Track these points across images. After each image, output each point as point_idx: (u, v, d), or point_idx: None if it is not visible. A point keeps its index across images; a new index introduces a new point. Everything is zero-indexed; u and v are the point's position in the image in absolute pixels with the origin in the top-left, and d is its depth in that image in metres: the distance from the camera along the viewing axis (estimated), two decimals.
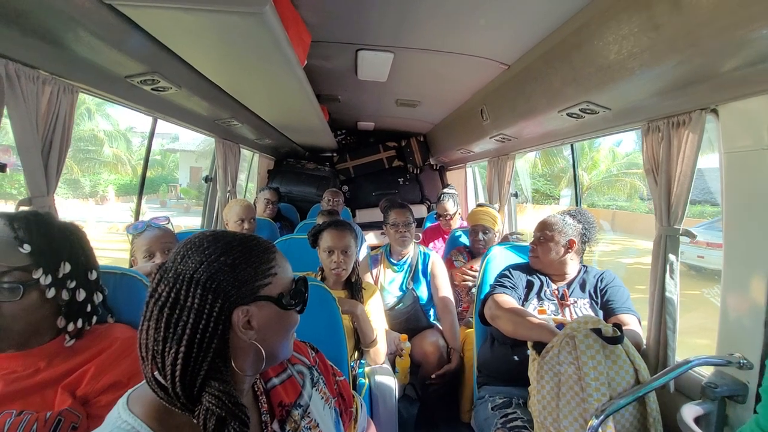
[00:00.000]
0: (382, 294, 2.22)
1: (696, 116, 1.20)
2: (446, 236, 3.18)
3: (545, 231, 1.67)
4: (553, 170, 17.91)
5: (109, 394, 0.90)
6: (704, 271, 8.43)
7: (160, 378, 0.62)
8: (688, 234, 1.27)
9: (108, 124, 18.80)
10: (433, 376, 2.03)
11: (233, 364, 0.65)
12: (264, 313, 0.67)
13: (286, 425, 0.75)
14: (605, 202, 17.64)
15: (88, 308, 0.97)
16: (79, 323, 0.95)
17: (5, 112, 1.21)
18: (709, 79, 1.11)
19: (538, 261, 1.69)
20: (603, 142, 17.54)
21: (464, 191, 4.57)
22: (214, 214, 3.12)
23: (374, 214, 4.65)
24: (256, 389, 0.76)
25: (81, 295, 0.95)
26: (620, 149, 18.30)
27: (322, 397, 0.85)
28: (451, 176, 4.87)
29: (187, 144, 21.86)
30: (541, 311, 1.53)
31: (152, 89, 1.68)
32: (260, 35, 1.26)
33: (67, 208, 17.21)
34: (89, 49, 1.31)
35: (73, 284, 0.93)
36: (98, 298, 1.01)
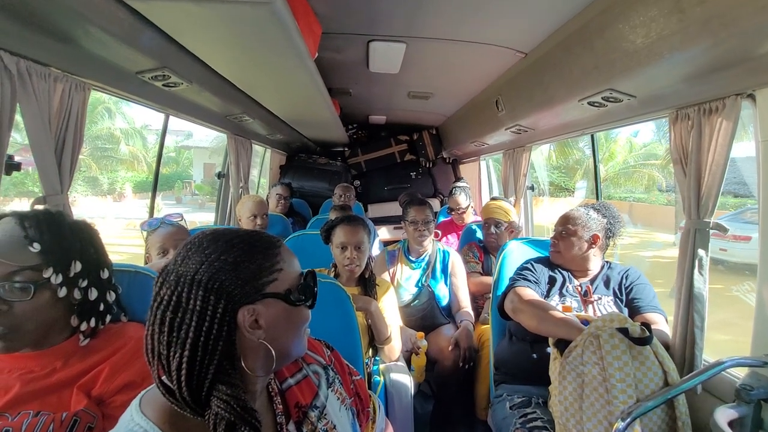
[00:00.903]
0: (398, 291, 2.19)
1: (730, 102, 1.12)
2: (459, 231, 3.14)
3: (568, 225, 1.61)
4: (568, 162, 17.60)
5: (124, 394, 0.90)
6: (726, 264, 8.18)
7: (167, 382, 0.61)
8: (720, 228, 1.20)
9: (124, 122, 19.22)
10: (450, 348, 1.99)
11: (243, 365, 0.64)
12: (272, 311, 0.65)
13: (302, 427, 0.73)
14: (622, 194, 17.27)
15: (101, 307, 0.97)
16: (93, 322, 0.95)
17: (18, 110, 1.20)
18: (746, 62, 1.03)
19: (560, 256, 1.63)
20: (620, 133, 17.17)
21: (478, 185, 4.50)
22: (227, 210, 3.13)
23: (387, 209, 4.62)
24: (271, 390, 0.74)
25: (93, 293, 0.95)
26: (638, 140, 17.89)
27: (338, 398, 0.83)
28: (464, 169, 4.80)
29: (200, 141, 22.16)
30: (566, 308, 1.47)
31: (163, 85, 1.67)
32: (270, 26, 1.23)
33: (86, 205, 17.76)
34: (100, 45, 1.30)
35: (84, 283, 0.93)
36: (111, 296, 1.00)
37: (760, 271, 1.11)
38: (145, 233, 1.65)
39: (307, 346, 0.83)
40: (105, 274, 0.99)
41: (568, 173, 18.31)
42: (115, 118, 18.58)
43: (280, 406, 0.73)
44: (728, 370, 1.12)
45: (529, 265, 1.65)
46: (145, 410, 0.62)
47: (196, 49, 1.53)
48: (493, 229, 2.49)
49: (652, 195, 16.80)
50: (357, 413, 0.89)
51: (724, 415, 1.01)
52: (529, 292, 1.51)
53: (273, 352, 0.65)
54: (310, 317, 0.73)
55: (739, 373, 1.17)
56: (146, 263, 1.64)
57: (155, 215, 1.93)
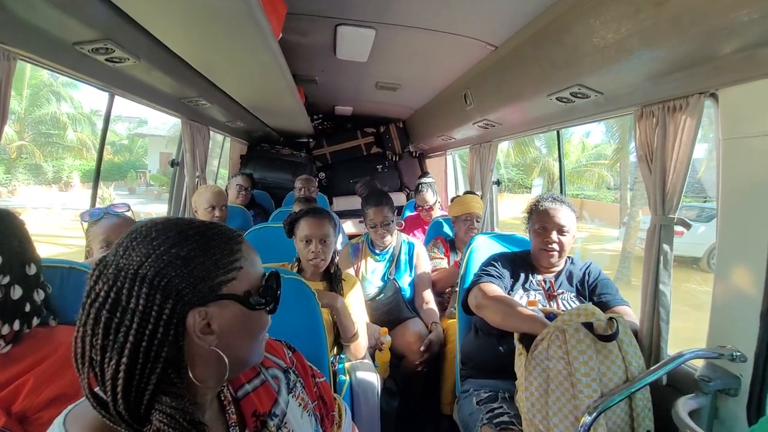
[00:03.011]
0: (363, 284, 2.14)
1: (694, 101, 1.15)
2: (426, 226, 3.13)
3: (565, 226, 1.55)
4: (526, 160, 18.36)
5: (53, 408, 0.79)
6: None
7: (100, 393, 0.52)
8: (683, 223, 1.24)
9: (71, 107, 17.95)
10: (422, 349, 1.97)
11: (191, 375, 0.56)
12: (227, 314, 0.57)
13: None
14: (574, 192, 18.21)
15: (27, 308, 0.84)
16: (16, 325, 0.82)
17: None
18: (710, 61, 1.05)
19: (558, 257, 1.57)
20: (573, 134, 18.07)
21: (444, 179, 4.52)
22: (182, 201, 2.93)
23: (352, 202, 4.54)
24: (223, 398, 0.67)
25: (16, 292, 0.82)
26: (589, 140, 18.95)
27: (300, 404, 0.77)
28: (430, 163, 4.80)
29: (156, 129, 21.08)
30: (532, 303, 1.48)
31: (106, 59, 1.50)
32: None
33: (29, 194, 16.71)
34: (28, 8, 1.14)
35: (6, 280, 0.81)
36: (39, 295, 0.87)
37: (716, 266, 1.15)
38: (85, 224, 1.49)
39: (267, 348, 0.77)
40: (31, 270, 0.86)
41: (526, 171, 19.11)
42: (61, 102, 17.46)
43: (234, 416, 0.66)
44: (690, 362, 1.15)
45: (493, 261, 1.63)
46: (70, 428, 0.53)
47: (144, 21, 1.37)
48: (475, 223, 2.47)
49: (601, 193, 17.87)
50: (321, 418, 0.83)
51: (684, 406, 1.04)
52: (493, 288, 1.49)
53: (226, 360, 0.57)
54: (270, 323, 0.65)
55: (698, 365, 1.20)
56: (87, 258, 1.48)
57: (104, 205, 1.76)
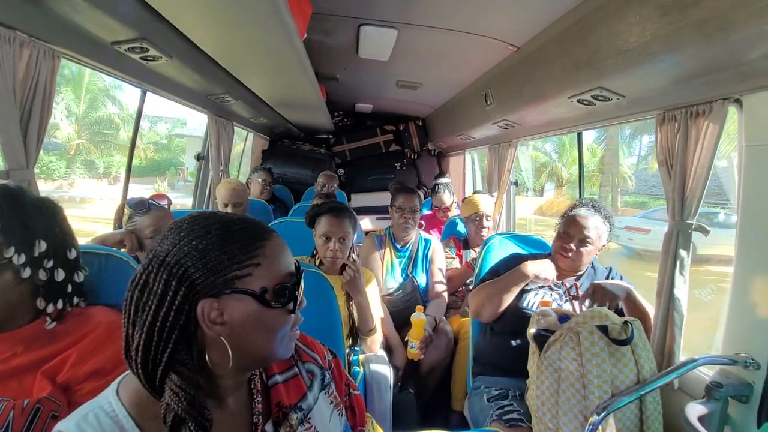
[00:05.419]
0: (386, 277, 2.19)
1: (717, 106, 1.13)
2: (442, 226, 3.14)
3: (588, 234, 1.52)
4: (535, 165, 18.93)
5: (92, 381, 0.85)
6: (633, 251, 10.59)
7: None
8: (702, 229, 1.22)
9: (119, 109, 20.28)
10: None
11: (207, 359, 0.60)
12: (241, 308, 0.59)
13: (280, 428, 0.69)
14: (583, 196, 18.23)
15: (69, 288, 0.91)
16: (60, 304, 0.89)
17: None
18: (735, 66, 1.04)
19: (572, 263, 1.55)
20: (584, 140, 18.21)
21: (462, 178, 4.51)
22: (206, 194, 3.03)
23: (370, 199, 4.59)
24: (253, 387, 0.70)
25: (60, 274, 0.89)
26: (599, 147, 19.04)
27: (332, 402, 0.78)
28: (449, 162, 4.80)
29: (194, 130, 22.78)
30: (545, 303, 1.48)
31: (141, 58, 1.57)
32: (258, 0, 1.17)
33: (84, 187, 19.15)
34: (71, 9, 1.21)
35: (50, 263, 0.87)
36: (79, 277, 0.94)
37: (734, 272, 1.14)
38: (130, 210, 1.58)
39: (308, 345, 0.80)
40: (72, 255, 0.93)
41: (535, 175, 19.51)
42: (115, 104, 20.08)
43: (259, 405, 0.69)
44: (702, 368, 1.15)
45: (501, 266, 1.65)
46: (121, 391, 0.60)
47: (177, 21, 1.44)
48: (485, 222, 2.48)
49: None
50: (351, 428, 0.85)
51: (694, 410, 1.04)
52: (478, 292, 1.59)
53: (230, 352, 0.59)
54: (292, 321, 0.66)
55: (710, 371, 1.20)
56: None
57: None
